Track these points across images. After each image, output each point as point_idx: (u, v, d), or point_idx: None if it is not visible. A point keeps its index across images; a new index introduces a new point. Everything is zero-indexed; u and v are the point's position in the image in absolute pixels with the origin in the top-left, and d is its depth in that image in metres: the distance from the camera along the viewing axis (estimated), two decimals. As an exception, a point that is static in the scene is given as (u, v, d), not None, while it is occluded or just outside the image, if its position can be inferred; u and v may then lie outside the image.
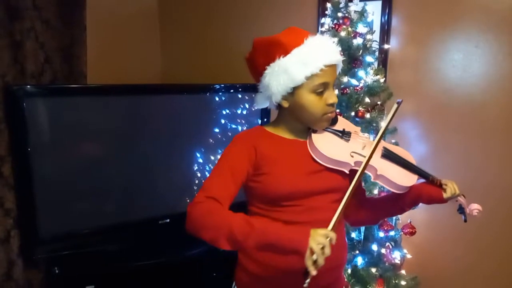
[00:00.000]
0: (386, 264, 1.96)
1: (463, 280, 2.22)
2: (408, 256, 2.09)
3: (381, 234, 1.93)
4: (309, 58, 1.07)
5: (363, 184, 1.55)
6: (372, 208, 1.31)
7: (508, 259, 2.11)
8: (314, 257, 0.90)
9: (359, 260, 1.91)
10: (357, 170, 1.14)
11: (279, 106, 1.18)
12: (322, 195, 1.14)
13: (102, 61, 2.48)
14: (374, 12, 2.14)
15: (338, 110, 1.89)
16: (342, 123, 1.25)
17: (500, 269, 2.13)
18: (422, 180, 1.24)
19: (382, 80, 1.95)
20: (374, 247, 1.92)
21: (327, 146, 1.15)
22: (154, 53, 2.96)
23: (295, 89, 1.10)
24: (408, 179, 1.21)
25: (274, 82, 1.10)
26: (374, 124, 1.95)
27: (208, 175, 2.28)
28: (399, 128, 2.11)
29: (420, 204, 1.27)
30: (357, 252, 1.92)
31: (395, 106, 1.26)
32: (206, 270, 2.23)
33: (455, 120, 2.14)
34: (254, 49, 1.16)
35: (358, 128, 1.28)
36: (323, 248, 0.91)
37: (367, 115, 1.90)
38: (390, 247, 1.97)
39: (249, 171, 1.12)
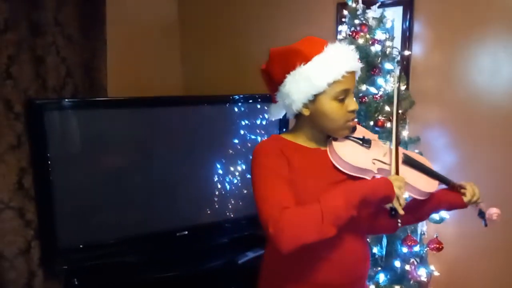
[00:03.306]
0: (411, 281, 1.85)
1: (498, 301, 2.07)
2: (436, 273, 1.97)
3: (405, 249, 1.83)
4: (331, 65, 1.08)
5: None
6: None
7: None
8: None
9: (381, 277, 1.82)
10: None
11: (297, 115, 1.18)
12: None
13: (123, 74, 2.53)
14: (395, 18, 2.07)
15: (356, 120, 1.82)
16: (361, 131, 1.24)
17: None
18: (442, 186, 1.23)
19: (403, 88, 1.87)
20: (397, 263, 1.82)
21: (349, 154, 1.14)
22: (175, 65, 2.99)
23: (316, 96, 1.10)
24: (430, 185, 1.19)
25: (295, 89, 1.10)
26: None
27: (227, 186, 2.33)
28: (423, 137, 2.02)
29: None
30: (379, 268, 1.83)
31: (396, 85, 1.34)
32: (225, 283, 2.19)
33: (484, 128, 2.02)
34: (271, 59, 1.16)
35: (376, 136, 1.27)
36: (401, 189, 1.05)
37: (388, 124, 1.83)
38: (415, 263, 1.86)
39: (288, 173, 1.10)
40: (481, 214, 1.24)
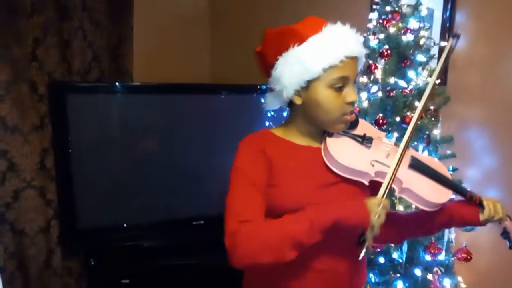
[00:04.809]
0: (434, 292, 1.71)
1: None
2: (463, 285, 1.81)
3: (428, 257, 1.68)
4: (328, 47, 0.95)
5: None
6: (394, 225, 1.13)
7: None
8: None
9: (399, 285, 1.69)
10: (377, 182, 1.00)
11: (290, 105, 1.05)
12: None
13: (151, 61, 2.53)
14: (435, 7, 1.90)
15: (381, 115, 1.69)
16: (364, 127, 1.09)
17: None
18: (458, 198, 1.08)
19: (437, 82, 1.71)
20: (418, 271, 1.69)
21: (344, 153, 1.01)
22: (203, 54, 2.97)
23: (310, 82, 0.98)
24: (439, 195, 1.03)
25: (287, 73, 0.98)
26: (427, 132, 1.73)
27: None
28: (459, 137, 1.85)
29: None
30: (398, 275, 1.70)
31: (450, 42, 1.14)
32: (235, 278, 2.15)
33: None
34: (265, 40, 1.06)
35: (383, 134, 1.12)
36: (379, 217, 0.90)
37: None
38: (439, 273, 1.72)
39: (266, 178, 1.00)
40: (505, 234, 1.08)
